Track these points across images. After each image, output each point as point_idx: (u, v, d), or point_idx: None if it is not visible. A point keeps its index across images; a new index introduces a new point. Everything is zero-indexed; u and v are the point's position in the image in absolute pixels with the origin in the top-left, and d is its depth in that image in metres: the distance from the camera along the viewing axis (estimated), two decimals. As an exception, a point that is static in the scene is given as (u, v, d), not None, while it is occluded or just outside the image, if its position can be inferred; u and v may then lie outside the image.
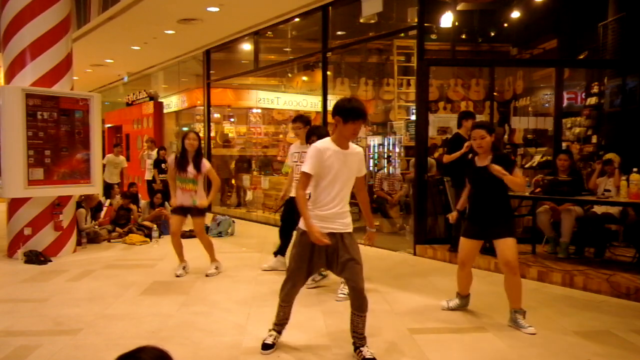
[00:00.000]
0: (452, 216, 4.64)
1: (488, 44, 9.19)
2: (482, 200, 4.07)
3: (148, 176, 10.41)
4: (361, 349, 3.31)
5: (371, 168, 9.67)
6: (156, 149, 10.39)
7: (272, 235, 8.08)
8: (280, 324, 3.54)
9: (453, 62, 7.97)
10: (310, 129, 4.92)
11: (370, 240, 3.62)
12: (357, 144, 3.54)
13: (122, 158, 10.85)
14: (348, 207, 3.37)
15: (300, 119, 5.62)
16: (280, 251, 5.81)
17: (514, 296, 3.99)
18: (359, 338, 3.33)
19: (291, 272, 3.43)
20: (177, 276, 5.50)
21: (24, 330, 3.85)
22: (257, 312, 4.30)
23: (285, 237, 5.66)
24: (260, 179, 10.41)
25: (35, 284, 5.22)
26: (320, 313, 4.28)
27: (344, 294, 4.45)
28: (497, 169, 3.89)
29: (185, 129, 15.30)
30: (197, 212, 5.50)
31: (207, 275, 5.53)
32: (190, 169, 5.38)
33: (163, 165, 9.51)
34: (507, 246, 3.93)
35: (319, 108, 9.28)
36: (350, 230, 3.35)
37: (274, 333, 3.53)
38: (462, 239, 4.21)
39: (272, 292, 4.84)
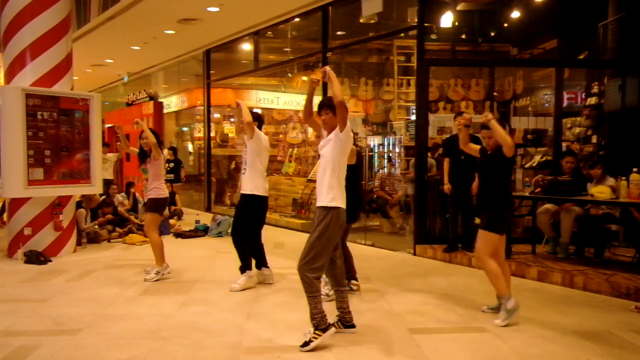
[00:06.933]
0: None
1: (488, 44, 9.17)
2: (480, 185, 4.36)
3: None
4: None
5: (375, 169, 9.65)
6: (165, 149, 10.35)
7: (271, 235, 8.08)
8: (345, 311, 3.84)
9: (453, 62, 7.95)
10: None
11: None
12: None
13: (109, 155, 10.81)
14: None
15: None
16: (259, 263, 5.22)
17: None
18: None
19: (328, 255, 3.61)
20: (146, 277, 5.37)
21: (24, 330, 3.86)
22: (257, 312, 4.29)
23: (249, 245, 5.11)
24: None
25: (35, 284, 5.23)
26: (320, 313, 4.27)
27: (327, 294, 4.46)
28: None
29: (185, 129, 15.31)
30: (147, 206, 5.55)
31: (145, 280, 5.28)
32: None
33: (167, 166, 9.48)
34: (479, 237, 4.16)
35: (319, 108, 9.27)
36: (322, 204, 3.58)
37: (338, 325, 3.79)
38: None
39: (272, 292, 4.84)
